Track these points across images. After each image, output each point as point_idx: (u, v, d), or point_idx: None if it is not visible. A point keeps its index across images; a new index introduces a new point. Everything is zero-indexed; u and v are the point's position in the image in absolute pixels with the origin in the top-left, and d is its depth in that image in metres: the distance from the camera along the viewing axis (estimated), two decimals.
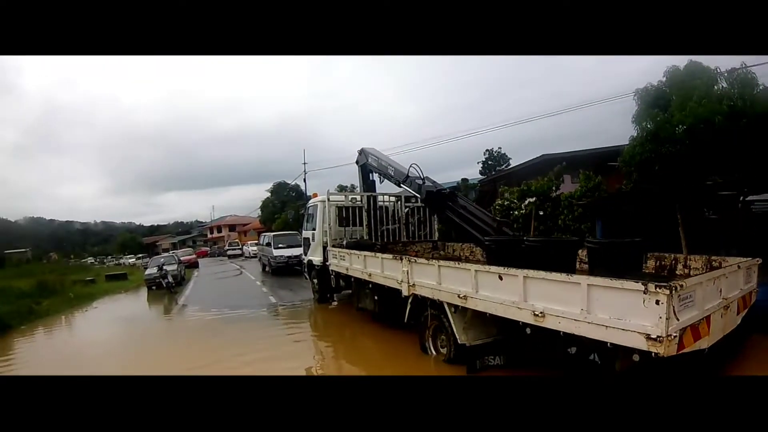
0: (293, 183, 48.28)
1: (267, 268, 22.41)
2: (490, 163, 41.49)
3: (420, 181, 9.18)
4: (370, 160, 11.02)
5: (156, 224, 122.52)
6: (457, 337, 5.85)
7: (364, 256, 8.30)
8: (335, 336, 9.47)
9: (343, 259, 9.50)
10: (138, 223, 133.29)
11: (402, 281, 6.82)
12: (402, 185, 9.86)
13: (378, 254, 7.84)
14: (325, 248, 11.07)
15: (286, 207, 42.03)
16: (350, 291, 10.75)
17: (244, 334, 9.80)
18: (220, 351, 8.48)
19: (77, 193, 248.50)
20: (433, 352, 6.61)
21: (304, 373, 7.09)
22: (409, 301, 6.87)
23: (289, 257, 19.84)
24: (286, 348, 8.48)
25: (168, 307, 15.21)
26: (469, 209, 8.60)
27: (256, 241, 33.97)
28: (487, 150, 41.87)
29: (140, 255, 56.54)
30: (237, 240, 55.44)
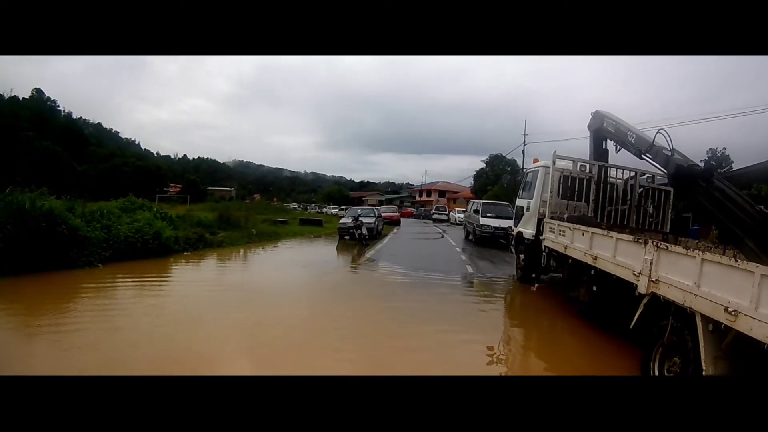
0: (510, 157, 46.76)
1: (470, 236, 21.86)
2: (712, 163, 35.33)
3: (668, 152, 7.14)
4: (605, 125, 9.08)
5: (366, 180, 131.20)
6: (704, 366, 4.07)
7: (591, 233, 6.77)
8: (530, 321, 8.37)
9: (563, 235, 8.08)
10: (348, 178, 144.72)
11: (641, 273, 5.21)
12: (644, 156, 7.84)
13: (612, 233, 6.24)
14: (540, 221, 9.79)
15: (499, 180, 41.00)
16: (560, 274, 9.35)
17: (424, 298, 9.16)
18: (388, 313, 8.04)
19: (289, 144, 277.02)
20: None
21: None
22: (644, 302, 5.21)
23: (495, 228, 18.88)
24: (469, 319, 7.82)
25: (354, 258, 14.77)
26: (728, 194, 6.37)
27: (464, 209, 33.75)
28: (710, 149, 36.08)
29: (344, 206, 56.14)
30: (445, 206, 56.44)
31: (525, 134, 35.80)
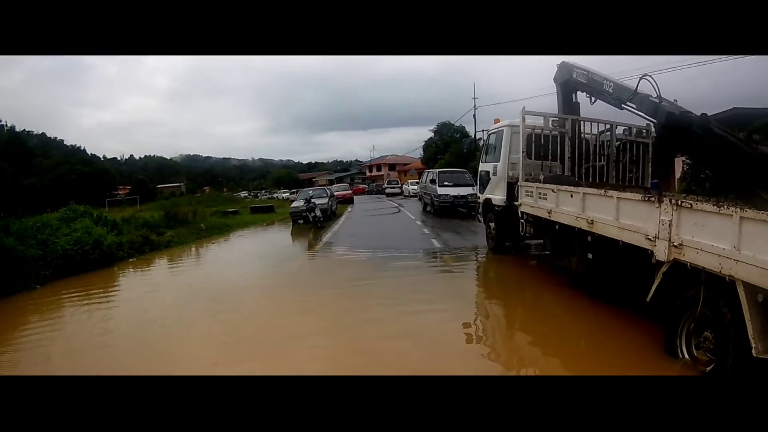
0: (458, 124, 46.35)
1: (428, 208, 20.97)
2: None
3: (655, 100, 6.39)
4: (575, 76, 8.20)
5: (314, 161, 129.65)
6: (753, 343, 3.38)
7: (583, 194, 5.89)
8: (512, 296, 7.46)
9: (544, 198, 7.21)
10: (296, 161, 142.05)
11: (657, 237, 4.37)
12: (625, 106, 7.09)
13: (612, 192, 5.37)
14: (510, 185, 8.99)
15: (449, 148, 40.40)
16: (537, 241, 8.81)
17: (392, 281, 8.37)
18: (357, 301, 7.19)
19: (235, 133, 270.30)
20: (685, 356, 4.25)
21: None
22: (663, 270, 4.40)
23: (455, 197, 18.11)
24: (443, 303, 6.93)
25: (311, 244, 13.81)
26: (731, 141, 5.83)
27: (417, 180, 32.92)
28: None
29: (294, 190, 55.38)
30: (397, 179, 55.55)
31: (475, 98, 34.99)
